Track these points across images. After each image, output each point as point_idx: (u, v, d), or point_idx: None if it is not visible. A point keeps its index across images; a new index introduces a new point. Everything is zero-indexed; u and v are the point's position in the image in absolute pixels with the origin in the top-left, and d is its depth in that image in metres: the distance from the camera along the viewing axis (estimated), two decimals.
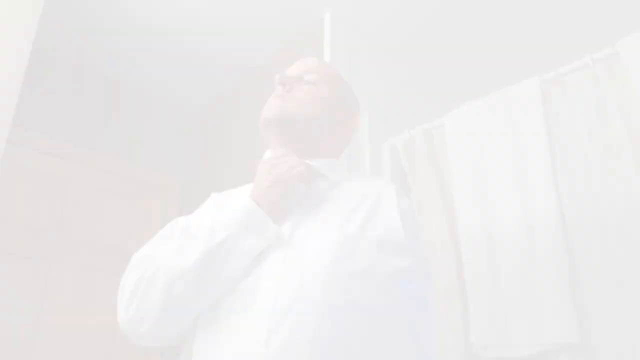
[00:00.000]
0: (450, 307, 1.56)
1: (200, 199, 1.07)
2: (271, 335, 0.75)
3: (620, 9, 2.07)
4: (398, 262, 0.84)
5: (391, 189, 0.96)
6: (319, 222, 0.88)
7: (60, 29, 2.21)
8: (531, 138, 1.52)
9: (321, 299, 0.77)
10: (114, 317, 0.89)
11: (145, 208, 2.46)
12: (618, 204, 1.32)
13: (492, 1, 2.06)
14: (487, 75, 2.44)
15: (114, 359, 2.13)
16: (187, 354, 0.88)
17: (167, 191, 2.55)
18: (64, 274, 2.12)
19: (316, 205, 0.92)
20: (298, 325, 0.76)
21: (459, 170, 1.67)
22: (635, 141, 1.33)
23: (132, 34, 2.24)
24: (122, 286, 0.88)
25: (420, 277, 0.87)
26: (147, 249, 0.91)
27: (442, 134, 1.82)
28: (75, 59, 2.42)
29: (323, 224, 0.88)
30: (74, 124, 2.35)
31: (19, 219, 2.09)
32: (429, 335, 0.87)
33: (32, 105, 2.15)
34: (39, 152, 2.21)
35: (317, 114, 1.01)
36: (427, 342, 0.85)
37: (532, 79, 1.58)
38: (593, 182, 1.38)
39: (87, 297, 2.14)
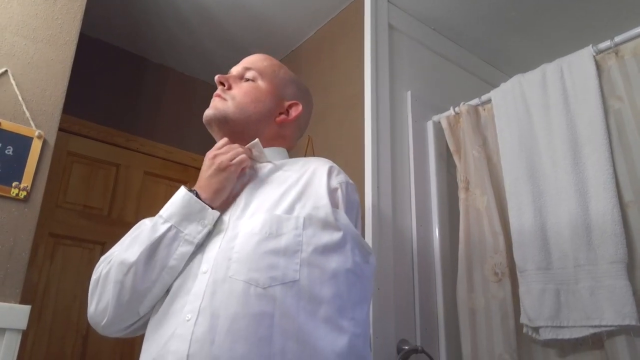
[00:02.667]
0: (500, 289, 1.52)
1: None
2: (199, 316, 0.82)
3: None
4: (326, 238, 0.89)
5: (324, 168, 1.01)
6: (254, 207, 0.95)
7: (107, 17, 2.26)
8: (585, 112, 1.44)
9: (245, 279, 0.83)
10: None
11: None
12: None
13: None
14: (536, 49, 2.34)
15: None
16: None
17: None
18: None
19: (255, 190, 0.99)
20: (222, 305, 0.81)
21: (508, 146, 1.61)
22: None
23: (178, 21, 2.27)
24: (90, 285, 0.94)
25: (348, 249, 0.91)
26: (111, 249, 0.98)
27: (489, 110, 1.76)
28: (123, 47, 2.48)
29: (257, 209, 0.94)
30: (123, 110, 2.42)
31: (72, 204, 2.18)
32: (359, 306, 0.90)
33: (83, 93, 2.22)
34: (89, 139, 2.28)
35: (253, 109, 1.08)
36: (358, 312, 0.89)
37: (586, 48, 1.50)
38: None
39: None
